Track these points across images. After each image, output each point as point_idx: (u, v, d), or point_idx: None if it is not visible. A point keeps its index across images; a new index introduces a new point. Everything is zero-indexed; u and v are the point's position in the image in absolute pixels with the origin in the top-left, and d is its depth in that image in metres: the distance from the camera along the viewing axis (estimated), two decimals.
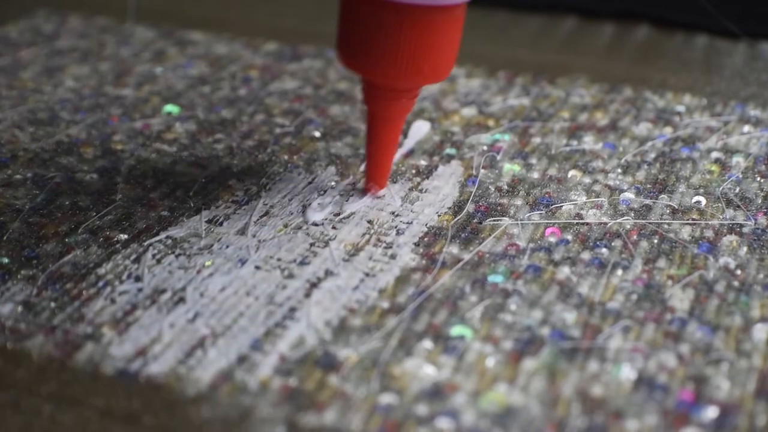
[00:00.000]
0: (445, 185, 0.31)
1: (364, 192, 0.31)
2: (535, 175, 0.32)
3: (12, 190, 0.31)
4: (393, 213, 0.30)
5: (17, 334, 0.25)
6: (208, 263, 0.27)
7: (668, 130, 0.35)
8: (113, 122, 0.35)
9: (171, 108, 0.36)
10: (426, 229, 0.29)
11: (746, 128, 0.35)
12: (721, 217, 0.29)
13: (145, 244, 0.28)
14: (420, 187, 0.31)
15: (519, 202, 0.30)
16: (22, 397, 0.23)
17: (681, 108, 0.37)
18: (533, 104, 0.37)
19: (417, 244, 0.28)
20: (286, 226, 0.29)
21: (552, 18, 0.47)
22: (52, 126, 0.35)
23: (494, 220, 0.29)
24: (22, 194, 0.31)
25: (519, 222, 0.29)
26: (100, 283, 0.26)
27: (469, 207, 0.30)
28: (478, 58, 0.42)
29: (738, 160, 0.33)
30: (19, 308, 0.25)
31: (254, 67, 0.40)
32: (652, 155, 0.33)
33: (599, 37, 0.45)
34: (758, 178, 0.32)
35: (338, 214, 0.29)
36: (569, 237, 0.28)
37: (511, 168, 0.32)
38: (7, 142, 0.34)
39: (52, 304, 0.26)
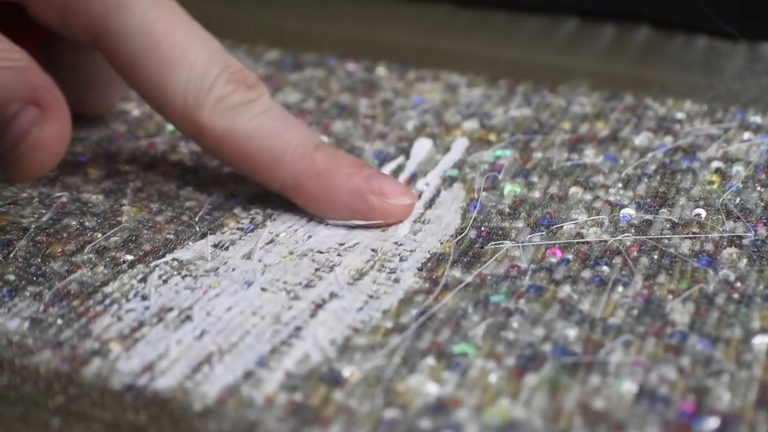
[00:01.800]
0: (447, 213, 0.31)
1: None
2: (537, 194, 0.32)
3: (18, 209, 0.31)
4: (396, 243, 0.30)
5: (24, 349, 0.25)
6: (214, 284, 0.28)
7: (669, 140, 0.36)
8: (117, 139, 0.36)
9: None
10: (429, 255, 0.29)
11: (746, 135, 0.36)
12: (721, 229, 0.30)
13: (152, 265, 0.28)
14: (423, 218, 0.31)
15: (520, 224, 0.30)
16: (30, 410, 0.23)
17: (681, 115, 0.37)
18: (534, 114, 0.38)
19: (420, 269, 0.28)
20: (291, 252, 0.29)
21: (552, 20, 0.48)
22: None
23: (495, 244, 0.29)
24: (28, 213, 0.31)
25: (520, 244, 0.29)
26: (107, 301, 0.27)
27: (471, 233, 0.30)
28: (479, 62, 0.42)
29: (738, 169, 0.33)
30: (26, 324, 0.26)
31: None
32: (653, 167, 0.34)
33: (600, 39, 0.45)
34: (758, 188, 0.32)
35: (342, 244, 0.30)
36: (570, 256, 0.28)
37: (512, 189, 0.32)
38: None
39: (59, 321, 0.26)
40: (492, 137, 0.36)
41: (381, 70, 0.42)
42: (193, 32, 0.30)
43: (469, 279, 0.27)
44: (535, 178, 0.33)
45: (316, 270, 0.28)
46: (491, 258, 0.29)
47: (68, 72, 0.31)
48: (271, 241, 0.30)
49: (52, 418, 0.23)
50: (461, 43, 0.44)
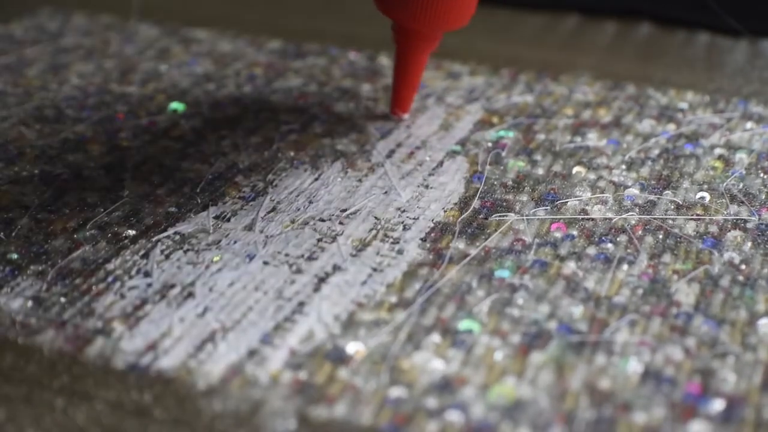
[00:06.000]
0: (450, 181, 0.31)
1: (391, 115, 0.36)
2: (540, 171, 0.32)
3: (20, 187, 0.31)
4: (399, 209, 0.30)
5: (28, 328, 0.25)
6: (216, 258, 0.27)
7: (671, 127, 0.35)
8: (119, 119, 0.35)
9: (177, 105, 0.36)
10: (432, 225, 0.29)
11: (749, 125, 0.35)
12: (725, 213, 0.30)
13: (154, 240, 0.28)
14: (426, 183, 0.31)
15: (524, 198, 0.30)
16: (34, 391, 0.23)
17: (684, 105, 0.37)
18: (537, 101, 0.37)
19: (424, 240, 0.28)
20: (293, 221, 0.29)
21: (554, 16, 0.48)
22: (58, 123, 0.35)
23: (500, 216, 0.29)
24: (29, 191, 0.31)
25: (525, 218, 0.29)
26: (110, 279, 0.27)
27: (475, 203, 0.30)
28: (481, 57, 0.42)
29: (741, 156, 0.33)
30: (29, 303, 0.26)
31: (258, 64, 0.40)
32: (656, 152, 0.33)
33: (601, 35, 0.45)
34: (762, 174, 0.32)
35: (344, 210, 0.30)
36: (575, 232, 0.28)
37: (516, 164, 0.32)
38: (14, 140, 0.34)
39: (62, 299, 0.26)
40: (495, 120, 0.36)
41: (383, 60, 0.42)
42: None
43: (473, 253, 0.27)
44: (538, 157, 0.33)
45: (318, 240, 0.28)
46: (496, 230, 0.28)
47: None
48: (273, 210, 0.30)
49: (56, 399, 0.23)
50: (463, 39, 0.43)
